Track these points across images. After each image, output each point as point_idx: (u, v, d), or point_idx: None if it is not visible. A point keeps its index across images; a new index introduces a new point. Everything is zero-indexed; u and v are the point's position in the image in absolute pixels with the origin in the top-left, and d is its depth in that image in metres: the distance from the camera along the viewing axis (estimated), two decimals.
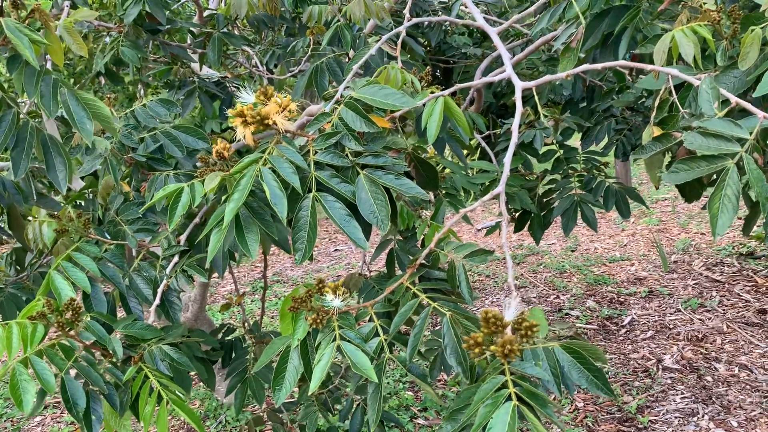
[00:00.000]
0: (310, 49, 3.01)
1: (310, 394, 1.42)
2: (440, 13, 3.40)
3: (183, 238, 1.93)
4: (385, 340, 1.27)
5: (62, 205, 2.27)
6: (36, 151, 1.61)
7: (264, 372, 2.19)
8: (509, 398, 0.96)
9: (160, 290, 1.81)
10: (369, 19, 2.18)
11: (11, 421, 5.00)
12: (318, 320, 1.16)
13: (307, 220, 1.19)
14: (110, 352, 1.59)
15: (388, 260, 1.95)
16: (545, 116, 2.81)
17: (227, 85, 3.01)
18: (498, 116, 3.50)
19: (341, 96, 1.45)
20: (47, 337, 1.56)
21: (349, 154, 1.28)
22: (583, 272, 5.95)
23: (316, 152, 1.25)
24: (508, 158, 1.38)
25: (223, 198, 1.32)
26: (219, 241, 1.16)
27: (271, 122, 1.16)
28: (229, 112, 1.19)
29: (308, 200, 1.20)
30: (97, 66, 2.48)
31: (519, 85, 1.51)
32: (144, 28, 2.61)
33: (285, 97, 1.18)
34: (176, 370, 1.65)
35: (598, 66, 1.49)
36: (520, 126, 1.58)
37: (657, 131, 1.45)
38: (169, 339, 1.70)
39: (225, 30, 2.80)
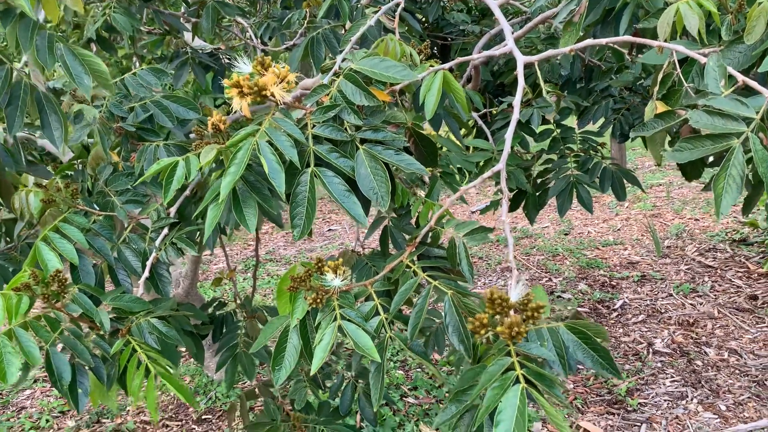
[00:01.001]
0: (306, 22, 2.96)
1: (312, 374, 1.39)
2: None
3: (173, 210, 1.90)
4: (386, 318, 1.25)
5: (52, 173, 2.23)
6: (30, 109, 1.56)
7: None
8: (517, 380, 0.94)
9: (149, 263, 1.77)
10: None
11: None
12: (318, 300, 1.14)
13: (305, 195, 1.16)
14: (97, 324, 1.56)
15: (382, 238, 1.92)
16: (548, 92, 2.77)
17: (221, 56, 2.95)
18: (495, 96, 3.45)
19: (339, 68, 1.41)
20: (33, 309, 1.53)
21: (348, 128, 1.24)
22: (575, 255, 5.95)
23: (314, 126, 1.21)
24: (509, 134, 1.34)
25: (218, 172, 1.28)
26: (216, 216, 1.13)
27: (268, 93, 1.12)
28: (225, 82, 1.15)
29: (306, 175, 1.17)
30: (88, 32, 2.41)
31: (521, 59, 1.47)
32: None
33: (283, 67, 1.14)
34: (164, 343, 1.62)
35: (602, 41, 1.45)
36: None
37: (661, 107, 1.42)
38: (158, 312, 1.66)
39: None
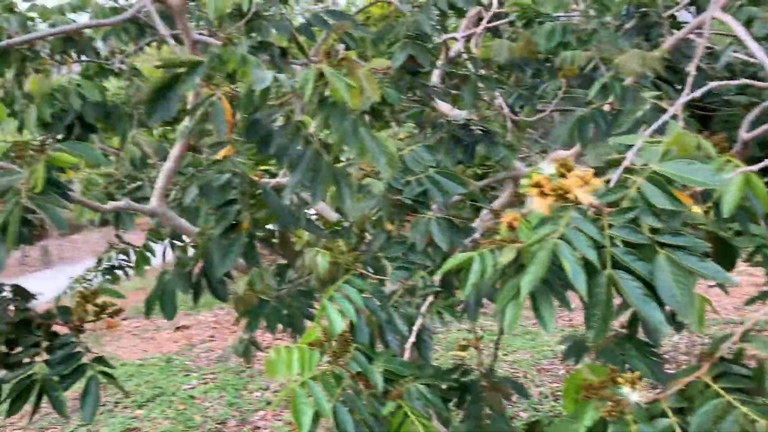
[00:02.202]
0: (561, 93, 2.98)
1: None
2: (704, 61, 3.16)
3: (437, 279, 2.01)
4: None
5: (325, 231, 2.49)
6: (328, 182, 1.78)
7: (498, 418, 2.19)
8: None
9: (415, 328, 1.89)
10: (641, 73, 2.09)
11: (239, 411, 5.57)
12: (611, 412, 1.13)
13: (602, 297, 1.16)
14: (372, 384, 1.69)
15: (631, 321, 1.84)
16: None
17: (472, 127, 3.07)
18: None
19: (631, 163, 1.40)
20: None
21: (645, 230, 1.23)
22: None
23: (611, 226, 1.22)
24: None
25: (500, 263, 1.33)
26: (516, 315, 1.18)
27: (572, 197, 1.16)
28: (524, 181, 1.21)
29: (604, 277, 1.18)
30: (364, 106, 2.68)
31: None
32: (406, 70, 2.77)
33: (586, 171, 1.17)
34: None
35: None
36: None
37: None
38: (423, 379, 1.76)
39: (480, 72, 2.87)
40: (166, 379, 6.56)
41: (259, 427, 5.52)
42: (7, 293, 1.99)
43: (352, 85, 1.61)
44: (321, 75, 1.62)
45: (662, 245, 1.21)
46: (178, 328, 8.35)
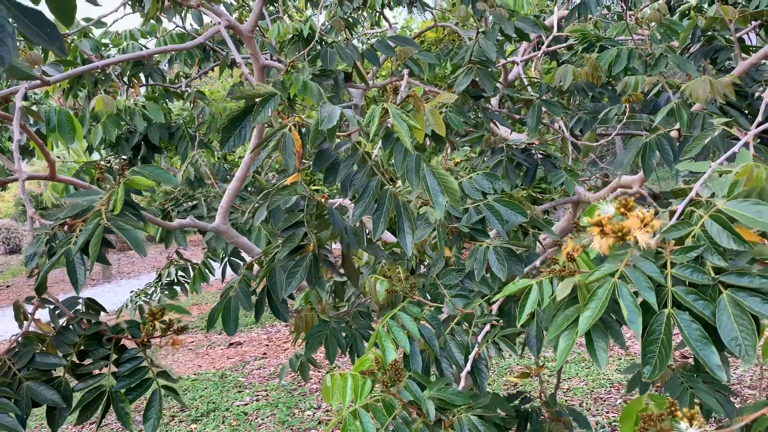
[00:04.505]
0: (625, 117, 2.93)
1: None
2: None
3: (495, 307, 2.00)
4: None
5: (385, 252, 2.52)
6: (391, 213, 1.80)
7: None
8: None
9: (471, 357, 1.88)
10: (710, 99, 2.04)
11: (291, 429, 5.62)
12: None
13: (659, 336, 1.14)
14: (424, 412, 1.70)
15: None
16: None
17: (533, 152, 3.06)
18: None
19: (697, 195, 1.37)
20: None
21: (710, 269, 1.20)
22: None
23: (674, 265, 1.20)
24: None
25: (558, 295, 1.33)
26: (569, 347, 1.17)
27: (631, 238, 1.15)
28: (587, 220, 1.21)
29: (662, 316, 1.15)
30: (426, 129, 2.71)
31: None
32: (469, 95, 2.79)
33: (648, 212, 1.16)
34: None
35: None
36: None
37: None
38: (477, 410, 1.75)
39: (545, 97, 2.86)
40: (219, 395, 6.70)
41: None
42: (80, 306, 2.10)
43: (416, 126, 1.63)
44: (386, 111, 1.66)
45: (726, 285, 1.18)
46: (231, 345, 8.53)
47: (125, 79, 3.90)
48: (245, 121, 1.72)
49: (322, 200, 2.29)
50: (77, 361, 1.99)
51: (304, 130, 1.82)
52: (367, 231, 2.81)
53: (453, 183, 1.67)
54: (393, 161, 1.69)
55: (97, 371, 1.98)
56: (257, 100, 1.71)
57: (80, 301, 2.11)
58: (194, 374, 7.43)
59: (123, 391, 1.92)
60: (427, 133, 2.77)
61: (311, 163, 1.92)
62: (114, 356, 1.99)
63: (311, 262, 2.09)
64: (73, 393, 1.92)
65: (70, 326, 2.02)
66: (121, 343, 2.04)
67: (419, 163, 1.66)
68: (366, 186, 1.75)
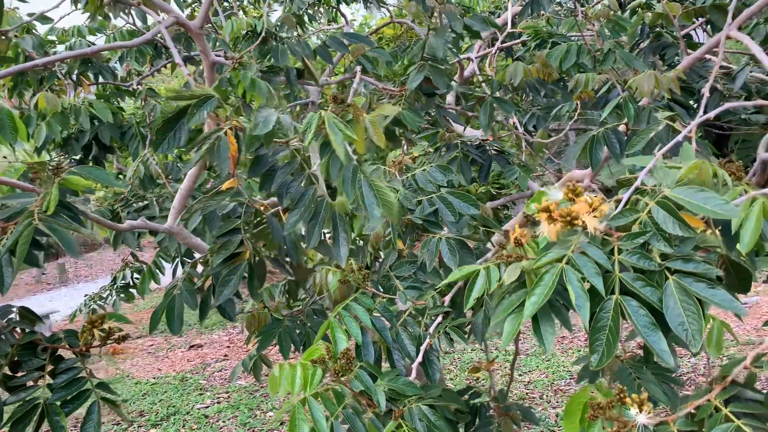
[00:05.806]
0: (576, 114, 2.97)
1: None
2: (720, 80, 3.13)
3: (447, 299, 1.99)
4: None
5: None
6: (327, 224, 1.77)
7: None
8: None
9: (422, 348, 1.87)
10: (655, 93, 2.08)
11: (252, 430, 5.54)
12: None
13: (607, 323, 1.14)
14: (374, 402, 1.68)
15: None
16: None
17: (487, 148, 3.07)
18: None
19: (642, 183, 1.38)
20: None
21: (656, 255, 1.21)
22: None
23: (621, 252, 1.20)
24: None
25: (506, 282, 1.32)
26: (515, 330, 1.17)
27: (580, 223, 1.15)
28: (534, 206, 1.20)
29: (611, 302, 1.16)
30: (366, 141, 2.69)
31: None
32: (422, 92, 2.78)
33: (596, 197, 1.16)
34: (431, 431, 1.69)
35: None
36: None
37: None
38: (428, 399, 1.74)
39: (497, 95, 2.87)
40: (180, 398, 6.57)
41: None
42: (13, 315, 1.98)
43: (352, 138, 1.60)
44: (323, 120, 1.62)
45: (672, 271, 1.19)
46: (191, 347, 8.38)
47: (73, 77, 3.78)
48: (180, 123, 1.68)
49: (262, 208, 2.24)
50: (9, 373, 1.88)
51: (241, 134, 1.77)
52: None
53: (390, 196, 1.65)
54: (330, 171, 1.66)
55: (31, 383, 1.87)
56: (192, 101, 1.67)
57: (14, 309, 2.00)
58: (154, 378, 7.27)
59: (59, 403, 1.81)
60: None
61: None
62: (50, 367, 1.89)
63: (247, 270, 2.04)
64: (5, 406, 1.81)
65: (2, 336, 1.90)
66: (58, 353, 1.94)
67: (356, 174, 1.64)
68: (303, 195, 1.73)
